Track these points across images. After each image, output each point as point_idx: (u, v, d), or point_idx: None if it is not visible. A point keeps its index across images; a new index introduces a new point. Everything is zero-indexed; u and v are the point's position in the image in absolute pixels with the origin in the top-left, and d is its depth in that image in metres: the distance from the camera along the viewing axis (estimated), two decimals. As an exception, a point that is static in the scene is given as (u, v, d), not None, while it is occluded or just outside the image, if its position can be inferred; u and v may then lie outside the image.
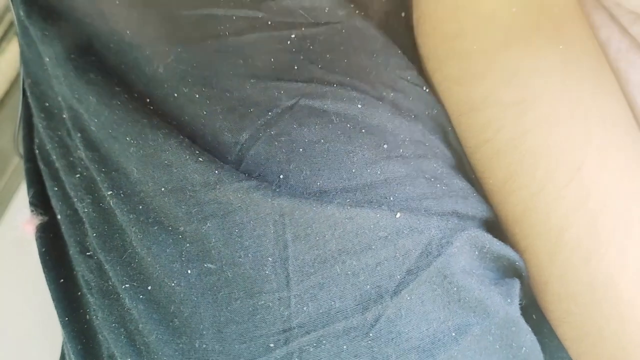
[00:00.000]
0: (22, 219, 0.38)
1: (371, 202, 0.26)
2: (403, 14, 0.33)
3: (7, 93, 0.65)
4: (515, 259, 0.29)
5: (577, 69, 0.30)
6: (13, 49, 0.67)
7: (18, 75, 0.65)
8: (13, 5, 0.38)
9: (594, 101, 0.30)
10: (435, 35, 0.32)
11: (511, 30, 0.30)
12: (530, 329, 0.29)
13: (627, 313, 0.28)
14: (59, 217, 0.31)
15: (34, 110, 0.34)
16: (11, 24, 0.67)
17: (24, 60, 0.37)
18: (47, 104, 0.33)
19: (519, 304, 0.28)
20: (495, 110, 0.30)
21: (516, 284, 0.29)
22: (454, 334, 0.25)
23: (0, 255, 0.60)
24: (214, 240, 0.26)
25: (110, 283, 0.27)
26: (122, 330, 0.26)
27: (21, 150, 0.40)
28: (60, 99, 0.32)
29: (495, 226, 0.31)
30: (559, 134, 0.29)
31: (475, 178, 0.32)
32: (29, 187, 0.36)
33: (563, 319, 0.30)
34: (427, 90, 0.30)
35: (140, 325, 0.26)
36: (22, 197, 0.63)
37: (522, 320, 0.28)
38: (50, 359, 0.47)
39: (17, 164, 0.64)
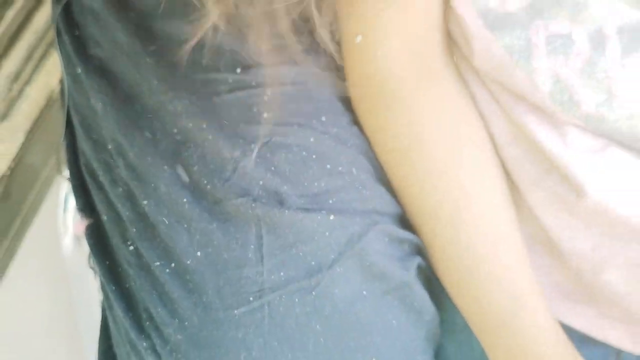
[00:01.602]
0: (75, 220, 0.51)
1: (316, 207, 0.41)
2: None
3: (38, 119, 0.77)
4: (415, 240, 0.45)
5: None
6: (42, 79, 0.79)
7: (49, 101, 0.77)
8: (62, 57, 0.51)
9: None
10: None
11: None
12: (425, 292, 0.44)
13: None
14: (104, 217, 0.44)
15: (82, 138, 0.47)
16: (41, 59, 0.80)
17: (72, 100, 0.49)
18: (95, 136, 0.46)
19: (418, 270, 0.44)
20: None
21: (414, 259, 0.44)
22: (364, 293, 0.40)
23: (33, 252, 0.73)
24: (216, 234, 0.40)
25: (144, 261, 0.41)
26: (154, 291, 0.40)
27: (63, 171, 0.53)
28: (104, 132, 0.45)
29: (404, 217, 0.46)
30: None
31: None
32: (77, 198, 0.49)
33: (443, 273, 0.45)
34: (357, 127, 0.45)
35: (166, 288, 0.40)
36: (51, 202, 0.76)
37: (417, 285, 0.43)
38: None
39: (45, 177, 0.76)
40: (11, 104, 0.75)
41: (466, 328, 0.49)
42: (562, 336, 0.46)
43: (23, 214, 0.72)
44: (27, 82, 0.77)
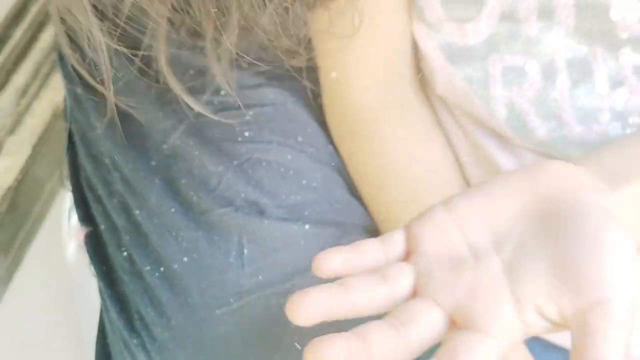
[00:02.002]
0: (75, 230, 0.54)
1: (293, 217, 0.44)
2: None
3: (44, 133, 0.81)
4: None
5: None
6: (48, 94, 0.83)
7: (54, 116, 0.81)
8: (64, 78, 0.55)
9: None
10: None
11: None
12: None
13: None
14: (102, 227, 0.48)
15: (82, 154, 0.51)
16: (47, 75, 0.83)
17: (74, 118, 0.53)
18: (94, 151, 0.50)
19: None
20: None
21: None
22: None
23: (38, 260, 0.76)
24: (201, 242, 0.44)
25: (136, 267, 0.45)
26: (145, 293, 0.44)
27: (67, 184, 0.57)
28: (102, 148, 0.49)
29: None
30: None
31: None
32: (77, 209, 0.53)
33: None
34: (332, 147, 0.49)
35: (156, 290, 0.44)
36: (55, 213, 0.79)
37: None
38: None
39: (50, 189, 0.80)
40: (18, 118, 0.78)
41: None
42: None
43: (29, 224, 0.75)
44: (34, 97, 0.81)
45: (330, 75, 0.48)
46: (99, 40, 0.47)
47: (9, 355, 0.73)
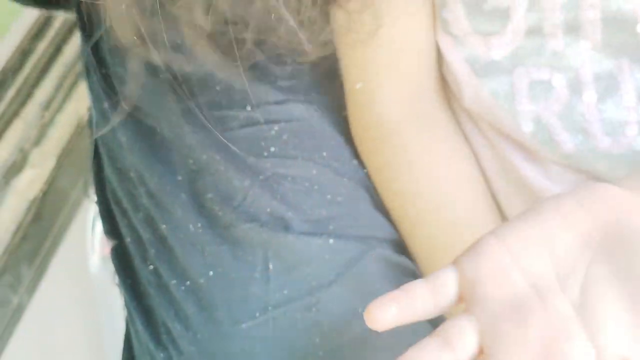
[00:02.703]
0: (101, 242, 0.56)
1: (318, 232, 0.45)
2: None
3: (68, 144, 0.82)
4: (408, 265, 0.48)
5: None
6: (72, 107, 0.84)
7: (78, 128, 0.82)
8: (90, 92, 0.56)
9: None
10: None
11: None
12: None
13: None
14: (127, 240, 0.49)
15: (108, 168, 0.52)
16: (70, 88, 0.85)
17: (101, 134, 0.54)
18: (119, 165, 0.51)
19: None
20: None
21: (408, 281, 0.47)
22: (360, 310, 0.44)
23: (62, 270, 0.78)
24: (227, 256, 0.44)
25: (162, 280, 0.46)
26: (171, 307, 0.45)
27: (91, 195, 0.58)
28: (127, 162, 0.50)
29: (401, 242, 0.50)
30: None
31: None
32: (104, 222, 0.54)
33: None
34: (356, 161, 0.49)
35: (182, 304, 0.44)
36: (79, 224, 0.81)
37: None
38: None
39: (74, 200, 0.81)
40: (43, 130, 0.80)
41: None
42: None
43: (53, 234, 0.77)
44: (58, 110, 0.82)
45: (355, 86, 0.49)
46: (132, 56, 0.48)
47: (34, 356, 0.74)
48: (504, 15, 0.44)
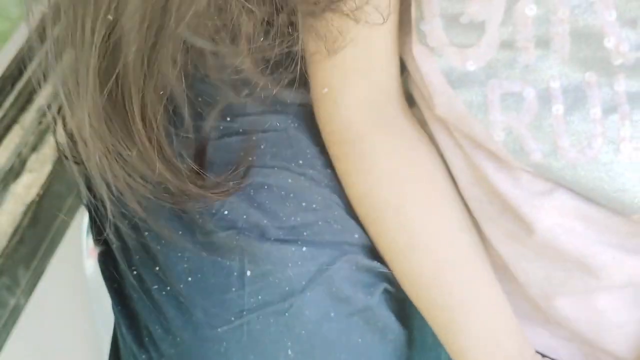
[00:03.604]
0: (90, 249, 0.58)
1: (292, 238, 0.47)
2: None
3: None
4: (381, 269, 0.50)
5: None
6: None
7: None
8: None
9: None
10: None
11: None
12: (390, 314, 0.50)
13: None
14: (114, 246, 0.51)
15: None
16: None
17: None
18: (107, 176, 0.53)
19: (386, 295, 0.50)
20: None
21: (380, 285, 0.50)
22: (332, 314, 0.46)
23: (58, 272, 0.79)
24: (205, 263, 0.46)
25: (145, 285, 0.48)
26: (152, 311, 0.47)
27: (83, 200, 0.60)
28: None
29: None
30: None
31: None
32: (92, 228, 0.56)
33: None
34: (330, 169, 0.51)
35: (163, 308, 0.46)
36: (75, 227, 0.82)
37: (380, 308, 0.49)
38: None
39: (70, 204, 0.83)
40: (40, 136, 0.82)
41: (435, 346, 0.54)
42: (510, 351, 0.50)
43: (50, 237, 0.78)
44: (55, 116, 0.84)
45: (322, 90, 0.50)
46: None
47: (32, 355, 0.76)
48: (479, 28, 0.46)
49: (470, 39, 0.47)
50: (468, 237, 0.51)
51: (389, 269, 0.51)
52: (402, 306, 0.54)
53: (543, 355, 0.53)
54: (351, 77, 0.49)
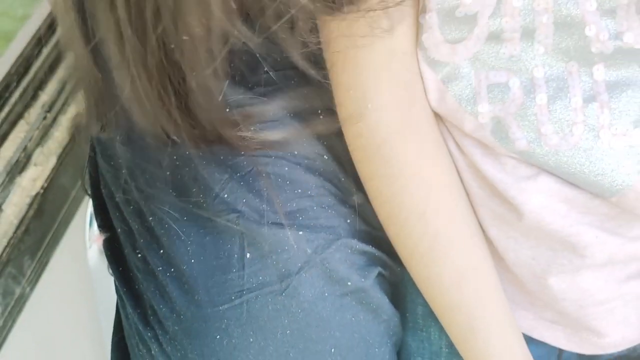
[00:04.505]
0: (96, 235, 0.60)
1: (289, 223, 0.49)
2: None
3: (68, 144, 0.86)
4: (377, 253, 0.53)
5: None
6: (72, 109, 0.88)
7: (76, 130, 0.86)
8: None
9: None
10: None
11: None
12: (383, 295, 0.53)
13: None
14: (119, 230, 0.54)
15: (102, 166, 0.57)
16: (72, 91, 0.88)
17: (97, 134, 0.59)
18: (113, 163, 0.55)
19: (380, 278, 0.53)
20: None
21: (374, 269, 0.53)
22: (326, 294, 0.48)
23: (63, 261, 0.82)
24: (208, 246, 0.49)
25: (150, 267, 0.50)
26: (157, 291, 0.50)
27: (87, 189, 0.63)
28: (120, 160, 0.55)
29: (370, 233, 0.54)
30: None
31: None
32: (97, 216, 0.58)
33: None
34: (325, 157, 0.53)
35: (167, 288, 0.49)
36: (79, 219, 0.85)
37: (374, 289, 0.52)
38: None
39: (74, 196, 0.85)
40: (45, 131, 0.84)
41: (426, 327, 0.57)
42: (517, 355, 0.53)
43: (54, 228, 0.81)
44: (60, 111, 0.86)
45: (347, 92, 0.51)
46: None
47: (36, 349, 0.78)
48: (472, 21, 0.48)
49: (462, 33, 0.49)
50: (484, 244, 0.53)
51: (384, 254, 0.54)
52: (395, 289, 0.57)
53: (529, 338, 0.56)
54: (378, 78, 0.49)
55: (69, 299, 0.84)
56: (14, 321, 0.74)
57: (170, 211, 0.50)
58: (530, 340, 0.56)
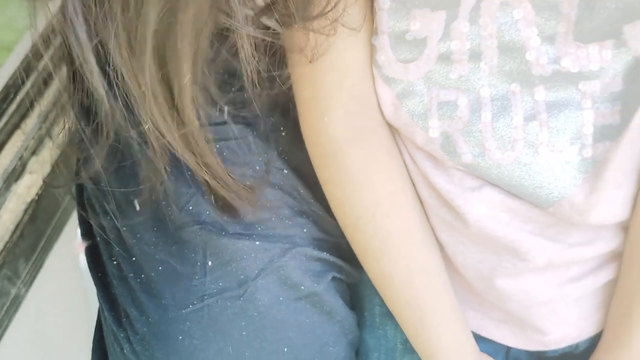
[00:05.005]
0: (78, 243, 0.65)
1: (247, 233, 0.53)
2: None
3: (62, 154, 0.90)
4: (331, 259, 0.57)
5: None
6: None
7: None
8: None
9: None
10: None
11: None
12: (336, 298, 0.57)
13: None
14: (98, 239, 0.58)
15: (85, 178, 0.61)
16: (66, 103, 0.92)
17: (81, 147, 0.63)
18: (93, 176, 0.60)
19: (335, 282, 0.57)
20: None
21: (328, 274, 0.57)
22: (281, 299, 0.53)
23: (56, 265, 0.86)
24: (174, 254, 0.53)
25: (123, 273, 0.55)
26: (129, 295, 0.54)
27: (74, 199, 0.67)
28: (100, 174, 0.59)
29: (327, 240, 0.58)
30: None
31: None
32: (80, 225, 0.63)
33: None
34: (286, 171, 0.57)
35: (137, 293, 0.54)
36: (71, 224, 0.89)
37: (327, 293, 0.56)
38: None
39: (66, 203, 0.89)
40: (40, 140, 0.86)
41: (382, 325, 0.61)
42: (465, 349, 0.57)
43: (48, 233, 0.84)
44: (54, 122, 0.89)
45: (309, 106, 0.54)
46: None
47: (31, 348, 0.81)
48: (421, 44, 0.51)
49: (413, 54, 0.52)
50: (433, 244, 0.57)
51: (339, 259, 0.58)
52: (354, 290, 0.61)
53: (479, 336, 0.60)
54: (333, 94, 0.53)
55: (61, 299, 0.88)
56: (9, 320, 0.78)
57: (142, 222, 0.55)
58: (479, 338, 0.60)
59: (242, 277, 0.53)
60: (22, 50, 0.91)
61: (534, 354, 0.61)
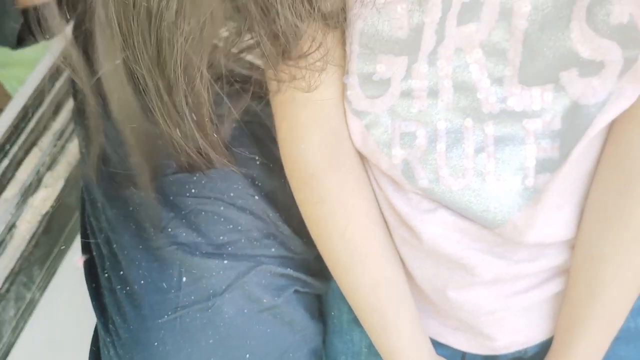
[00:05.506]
0: (78, 257, 0.72)
1: (218, 253, 0.60)
2: None
3: (75, 169, 0.96)
4: (293, 274, 0.63)
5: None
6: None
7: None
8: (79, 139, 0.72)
9: None
10: None
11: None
12: (298, 310, 0.63)
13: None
14: (94, 253, 0.65)
15: (86, 198, 0.68)
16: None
17: (82, 172, 0.71)
18: (92, 197, 0.67)
19: (296, 295, 0.63)
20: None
21: (289, 287, 0.63)
22: (245, 311, 0.59)
23: (67, 273, 0.92)
24: (155, 270, 0.60)
25: (112, 285, 0.62)
26: (115, 305, 0.61)
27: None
28: (96, 195, 0.66)
29: (292, 258, 0.64)
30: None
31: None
32: (82, 239, 0.70)
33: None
34: (257, 198, 0.63)
35: (122, 303, 0.60)
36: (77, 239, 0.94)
37: (287, 306, 0.62)
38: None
39: (78, 216, 0.94)
40: (55, 157, 0.92)
41: (349, 331, 0.67)
42: (422, 351, 0.62)
43: (61, 242, 0.91)
44: (68, 140, 0.94)
45: (288, 135, 0.58)
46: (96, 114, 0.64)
47: (44, 351, 0.86)
48: (386, 83, 0.56)
49: (379, 91, 0.57)
50: (396, 258, 0.62)
51: (302, 274, 0.64)
52: (324, 298, 0.67)
53: (436, 342, 0.65)
54: (309, 125, 0.57)
55: (73, 303, 0.93)
56: (25, 323, 0.84)
57: (130, 241, 0.61)
58: (438, 344, 0.65)
59: (211, 291, 0.59)
60: (37, 74, 0.95)
61: (487, 357, 0.65)
